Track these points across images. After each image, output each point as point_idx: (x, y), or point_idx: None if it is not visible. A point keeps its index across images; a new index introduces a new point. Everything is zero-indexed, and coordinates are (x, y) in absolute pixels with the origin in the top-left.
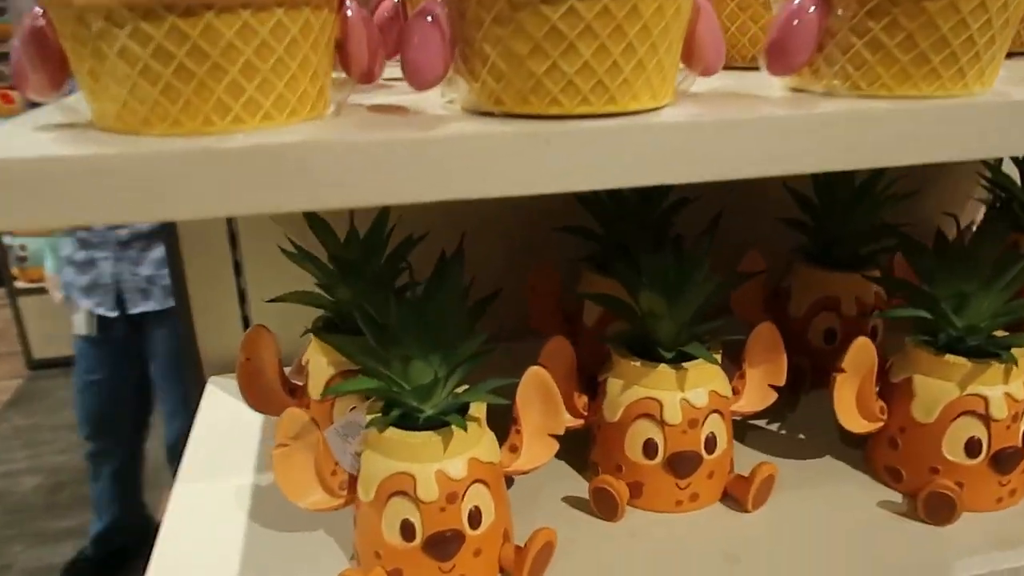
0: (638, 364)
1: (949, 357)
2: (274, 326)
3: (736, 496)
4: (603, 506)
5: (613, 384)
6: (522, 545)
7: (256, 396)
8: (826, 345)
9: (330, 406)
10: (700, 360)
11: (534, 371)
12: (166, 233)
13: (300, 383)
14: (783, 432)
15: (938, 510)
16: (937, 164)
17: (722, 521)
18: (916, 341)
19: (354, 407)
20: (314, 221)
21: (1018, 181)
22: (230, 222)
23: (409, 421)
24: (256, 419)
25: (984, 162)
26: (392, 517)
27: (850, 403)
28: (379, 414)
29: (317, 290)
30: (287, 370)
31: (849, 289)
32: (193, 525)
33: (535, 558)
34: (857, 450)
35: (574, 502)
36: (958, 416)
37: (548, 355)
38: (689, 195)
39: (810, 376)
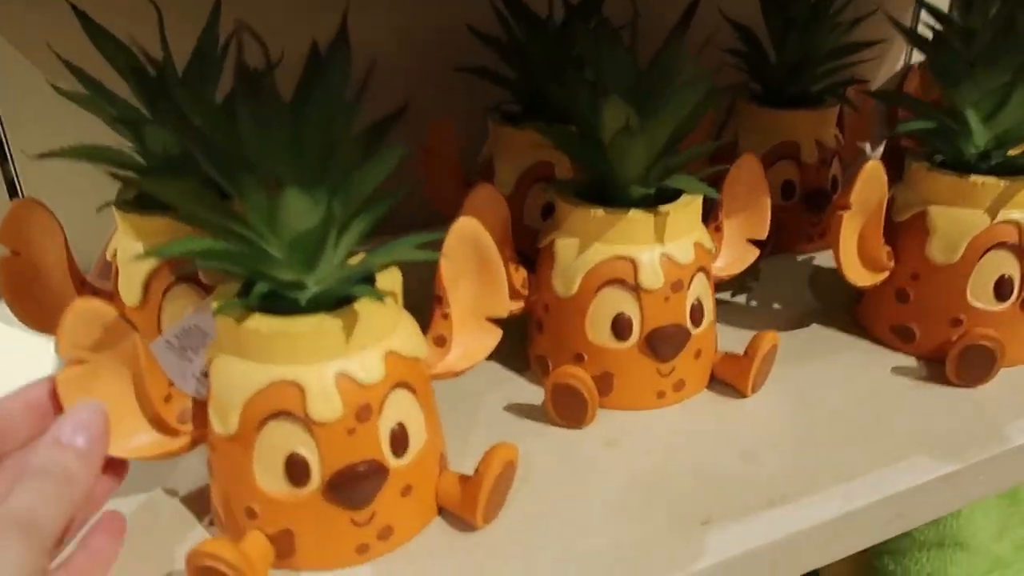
0: (600, 213)
1: (976, 178)
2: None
3: (728, 379)
4: (566, 409)
5: (565, 246)
6: (467, 474)
7: (34, 308)
8: (785, 201)
9: (156, 313)
10: (681, 202)
11: (465, 223)
12: None
13: (106, 288)
14: (753, 304)
15: (973, 367)
16: None
17: (718, 411)
18: (930, 165)
19: (194, 309)
20: (103, 38)
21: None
22: None
23: (283, 304)
24: (44, 346)
25: None
26: (271, 453)
27: (854, 249)
28: (235, 298)
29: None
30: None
31: (808, 132)
32: None
33: (493, 489)
34: (846, 313)
35: (522, 410)
36: (987, 251)
37: (474, 207)
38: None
39: (773, 239)
